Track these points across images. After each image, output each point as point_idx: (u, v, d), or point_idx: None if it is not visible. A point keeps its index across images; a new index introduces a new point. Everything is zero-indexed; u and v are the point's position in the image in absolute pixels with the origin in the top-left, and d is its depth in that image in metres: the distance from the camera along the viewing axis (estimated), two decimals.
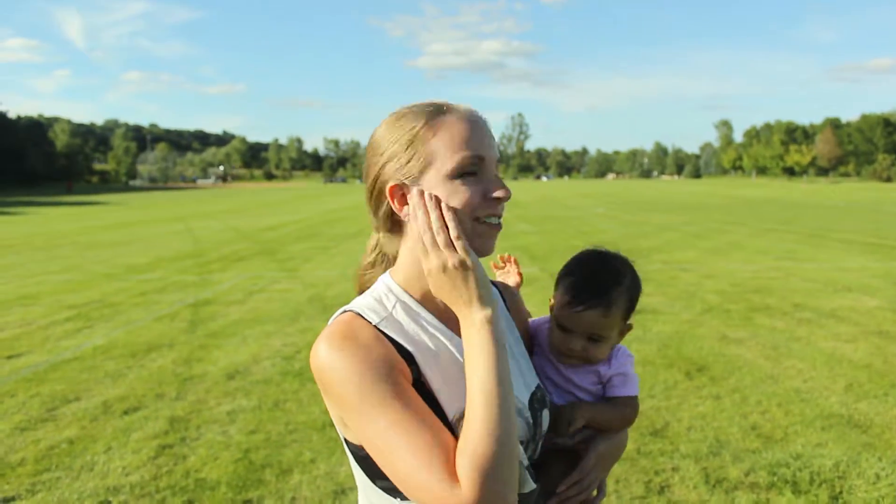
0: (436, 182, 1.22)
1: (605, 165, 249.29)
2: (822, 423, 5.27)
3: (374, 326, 1.22)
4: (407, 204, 1.25)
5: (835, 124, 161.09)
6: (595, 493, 1.48)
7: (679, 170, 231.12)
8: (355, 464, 1.30)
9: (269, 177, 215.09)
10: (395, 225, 1.31)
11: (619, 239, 19.36)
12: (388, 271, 1.35)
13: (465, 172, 1.22)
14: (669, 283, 11.37)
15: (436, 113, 1.25)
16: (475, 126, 1.25)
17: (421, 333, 1.26)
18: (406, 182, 1.24)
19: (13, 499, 4.28)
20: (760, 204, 40.65)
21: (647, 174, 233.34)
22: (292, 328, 8.71)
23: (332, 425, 5.31)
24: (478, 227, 1.24)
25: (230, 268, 14.72)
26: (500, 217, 1.27)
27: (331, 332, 1.22)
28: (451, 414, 1.21)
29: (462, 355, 1.25)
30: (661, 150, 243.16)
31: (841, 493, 4.18)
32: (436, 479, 1.07)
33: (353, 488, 4.27)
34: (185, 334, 8.49)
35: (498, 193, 1.24)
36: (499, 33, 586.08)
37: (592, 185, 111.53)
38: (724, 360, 6.95)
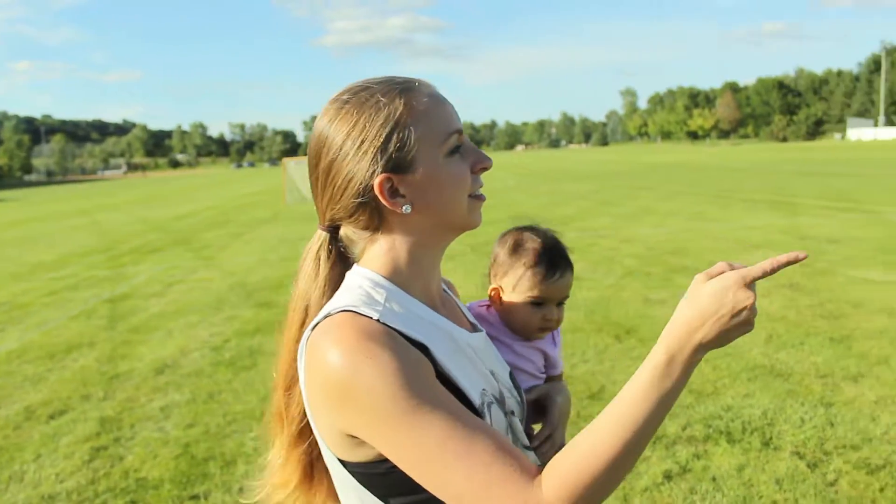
0: (433, 166, 1.13)
1: (514, 137, 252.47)
2: (748, 374, 5.50)
3: (378, 321, 1.07)
4: (400, 196, 1.14)
5: (734, 88, 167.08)
6: None
7: (586, 138, 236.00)
8: (354, 484, 1.14)
9: (175, 165, 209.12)
10: (377, 220, 1.17)
11: (534, 209, 19.63)
12: (356, 266, 1.20)
13: (454, 150, 1.15)
14: (588, 250, 11.59)
15: (408, 91, 1.14)
16: (445, 100, 1.18)
17: (420, 323, 1.15)
18: (395, 173, 1.12)
19: None
20: (667, 168, 41.86)
21: (555, 144, 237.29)
22: (217, 317, 8.53)
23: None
24: (471, 202, 1.18)
25: (144, 260, 14.27)
26: (481, 187, 1.22)
27: (339, 335, 1.05)
28: (477, 401, 1.13)
29: (461, 340, 1.20)
30: (568, 120, 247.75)
31: (771, 438, 4.38)
32: (519, 488, 0.97)
33: None
34: (105, 331, 8.20)
35: (486, 164, 1.19)
36: (404, 9, 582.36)
37: (503, 157, 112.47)
38: (650, 321, 7.16)
